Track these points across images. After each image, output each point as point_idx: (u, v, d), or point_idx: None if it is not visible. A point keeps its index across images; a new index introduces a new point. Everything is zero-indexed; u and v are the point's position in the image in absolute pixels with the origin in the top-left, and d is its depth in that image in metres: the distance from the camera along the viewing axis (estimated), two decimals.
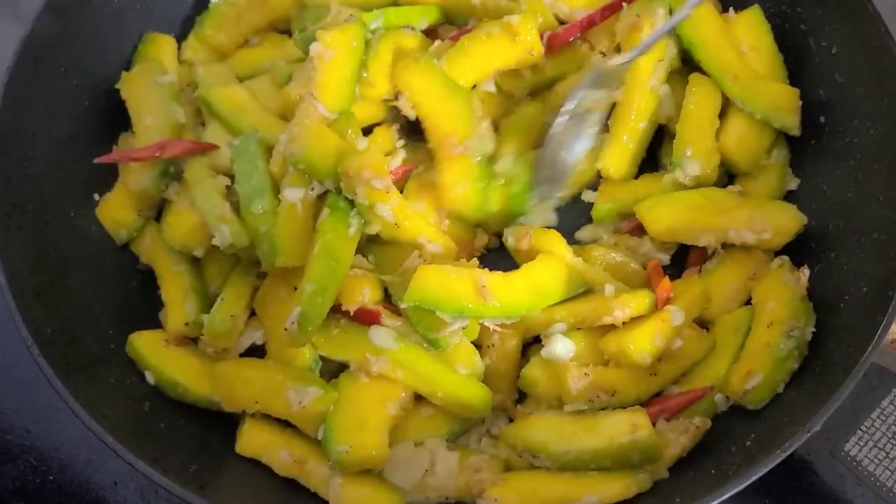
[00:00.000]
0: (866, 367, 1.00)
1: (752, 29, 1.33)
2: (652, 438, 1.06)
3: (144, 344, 1.17)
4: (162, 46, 1.38)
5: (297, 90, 1.24)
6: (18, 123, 1.19)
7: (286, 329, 1.08)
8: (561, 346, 1.13)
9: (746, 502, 1.16)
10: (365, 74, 1.23)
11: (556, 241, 1.18)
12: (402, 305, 1.09)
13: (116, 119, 1.33)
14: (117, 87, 1.32)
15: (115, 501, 1.24)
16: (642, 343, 1.11)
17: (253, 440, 1.12)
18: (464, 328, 1.11)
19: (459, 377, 1.12)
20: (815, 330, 1.13)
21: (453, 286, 1.08)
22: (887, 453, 1.25)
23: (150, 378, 1.16)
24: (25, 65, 1.19)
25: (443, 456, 1.10)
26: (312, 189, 1.16)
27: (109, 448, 0.99)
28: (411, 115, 1.23)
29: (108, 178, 1.29)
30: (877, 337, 1.01)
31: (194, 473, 1.05)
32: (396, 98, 1.24)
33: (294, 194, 1.16)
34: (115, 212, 1.27)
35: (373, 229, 1.16)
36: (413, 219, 1.17)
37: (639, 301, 1.13)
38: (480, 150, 1.21)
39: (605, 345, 1.13)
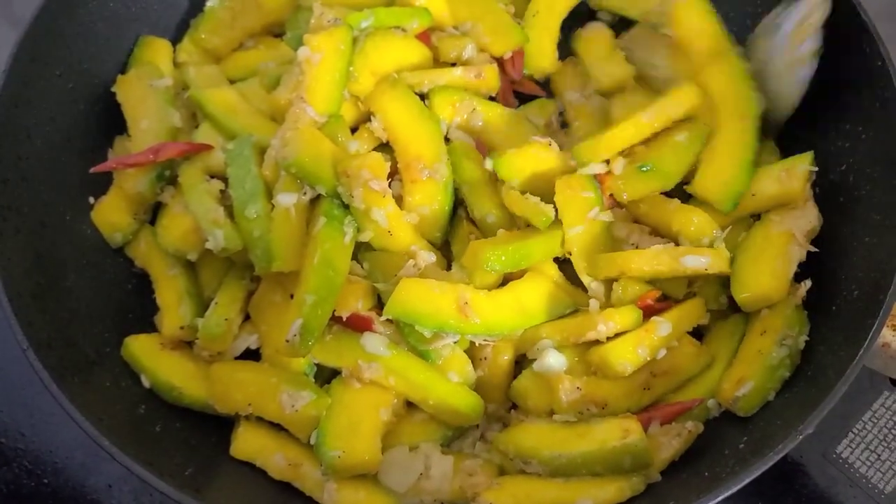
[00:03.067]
0: (858, 371, 1.01)
1: (694, 13, 1.32)
2: (643, 443, 1.06)
3: (140, 347, 1.17)
4: (157, 50, 1.38)
5: (286, 95, 1.25)
6: (14, 126, 1.18)
7: (287, 341, 1.09)
8: (553, 360, 1.13)
9: None
10: (351, 69, 1.23)
11: (545, 262, 1.18)
12: (382, 318, 1.10)
13: (112, 122, 1.33)
14: (113, 89, 1.32)
15: None
16: (623, 353, 1.10)
17: (247, 444, 1.12)
18: (455, 341, 1.11)
19: (451, 385, 1.12)
20: (809, 330, 1.14)
21: (435, 301, 1.08)
22: (878, 455, 1.26)
23: (145, 381, 1.16)
24: (20, 67, 1.19)
25: (437, 460, 1.10)
26: (305, 194, 1.17)
27: (105, 451, 0.98)
28: (383, 136, 1.24)
29: (103, 181, 1.29)
30: (868, 340, 1.02)
31: (190, 476, 1.05)
32: (370, 120, 1.25)
33: (287, 199, 1.16)
34: (111, 215, 1.27)
35: (366, 236, 1.16)
36: (406, 228, 1.18)
37: (624, 316, 1.12)
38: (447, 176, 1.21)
39: (590, 356, 1.13)
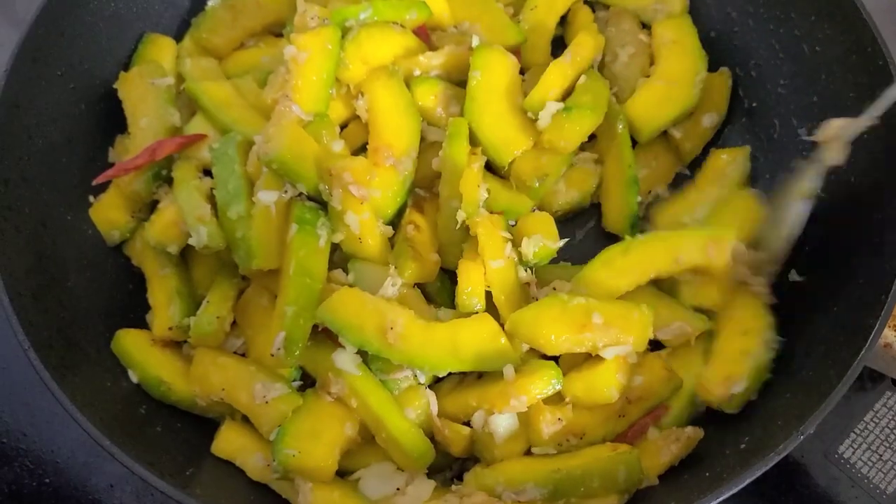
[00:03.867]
0: (859, 371, 1.01)
1: (674, 25, 1.37)
2: (634, 454, 1.05)
3: (131, 341, 1.18)
4: (162, 48, 1.38)
5: (273, 94, 1.25)
6: (15, 126, 1.19)
7: (272, 355, 1.09)
8: (505, 424, 1.10)
9: None
10: (342, 55, 1.23)
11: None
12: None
13: (113, 122, 1.33)
14: (115, 86, 1.32)
15: None
16: (609, 379, 1.10)
17: (229, 442, 1.12)
18: (414, 375, 1.11)
19: (405, 423, 1.09)
20: (810, 331, 1.14)
21: (363, 317, 1.08)
22: (880, 455, 1.26)
23: (132, 376, 1.16)
24: (22, 68, 1.20)
25: (419, 482, 1.09)
26: (286, 192, 1.17)
27: (106, 451, 0.99)
28: (364, 116, 1.26)
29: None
30: (869, 340, 1.02)
31: (191, 476, 1.05)
32: (357, 97, 1.27)
33: (268, 197, 1.16)
34: (108, 213, 1.27)
35: (337, 237, 1.16)
36: (377, 239, 1.17)
37: (538, 383, 1.08)
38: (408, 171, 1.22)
39: (569, 385, 1.09)
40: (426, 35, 1.36)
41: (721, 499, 0.96)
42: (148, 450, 1.04)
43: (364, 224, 1.15)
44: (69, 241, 1.23)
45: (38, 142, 1.22)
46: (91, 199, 1.28)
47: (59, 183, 1.24)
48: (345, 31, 1.26)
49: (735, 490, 0.96)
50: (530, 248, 1.18)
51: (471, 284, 1.14)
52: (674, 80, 1.34)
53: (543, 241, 1.19)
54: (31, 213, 1.18)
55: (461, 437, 1.11)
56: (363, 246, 1.16)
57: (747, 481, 0.96)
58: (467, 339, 1.10)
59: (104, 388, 1.13)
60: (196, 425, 1.16)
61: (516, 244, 1.20)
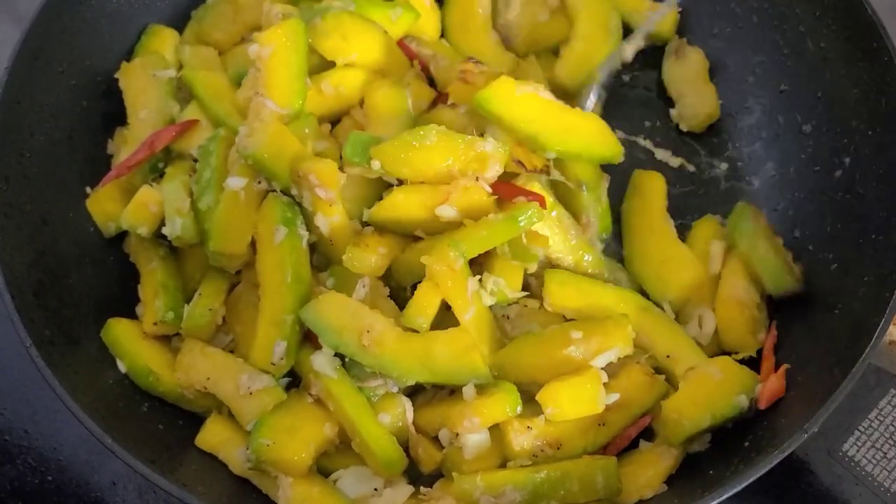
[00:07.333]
0: (864, 368, 1.00)
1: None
2: (612, 462, 1.04)
3: (122, 330, 1.17)
4: (165, 39, 1.38)
5: (245, 94, 1.24)
6: (17, 123, 1.19)
7: (273, 364, 1.09)
8: (475, 438, 1.07)
9: (744, 503, 1.16)
10: (321, 23, 1.22)
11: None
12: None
13: (114, 119, 1.33)
14: (116, 76, 1.32)
15: (113, 502, 1.24)
16: (593, 389, 1.05)
17: (214, 435, 1.12)
18: (385, 383, 1.09)
19: (379, 429, 1.08)
20: (815, 328, 1.14)
21: (343, 320, 1.07)
22: (885, 454, 1.25)
23: (121, 366, 1.15)
24: (23, 64, 1.19)
25: (397, 486, 1.08)
26: (259, 182, 1.16)
27: (108, 449, 0.98)
28: (364, 123, 1.26)
29: (102, 173, 1.28)
30: (874, 338, 1.01)
31: (194, 474, 1.05)
32: (360, 104, 1.27)
33: (236, 183, 1.15)
34: (105, 204, 1.27)
35: (311, 238, 1.16)
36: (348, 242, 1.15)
37: (494, 409, 1.05)
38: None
39: (550, 397, 1.04)
40: (406, 48, 1.34)
41: (725, 497, 0.96)
42: (150, 448, 1.04)
43: (334, 226, 1.14)
44: (70, 238, 1.22)
45: (39, 139, 1.22)
46: (87, 189, 1.28)
47: (60, 180, 1.24)
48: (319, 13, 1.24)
49: (739, 488, 0.96)
50: (489, 288, 1.12)
51: (426, 306, 1.09)
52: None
53: (504, 287, 1.13)
54: (32, 210, 1.17)
55: (432, 460, 1.10)
56: (335, 249, 1.15)
57: (751, 479, 0.96)
58: (441, 351, 1.08)
59: (106, 385, 1.13)
60: (198, 424, 1.15)
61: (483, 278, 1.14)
